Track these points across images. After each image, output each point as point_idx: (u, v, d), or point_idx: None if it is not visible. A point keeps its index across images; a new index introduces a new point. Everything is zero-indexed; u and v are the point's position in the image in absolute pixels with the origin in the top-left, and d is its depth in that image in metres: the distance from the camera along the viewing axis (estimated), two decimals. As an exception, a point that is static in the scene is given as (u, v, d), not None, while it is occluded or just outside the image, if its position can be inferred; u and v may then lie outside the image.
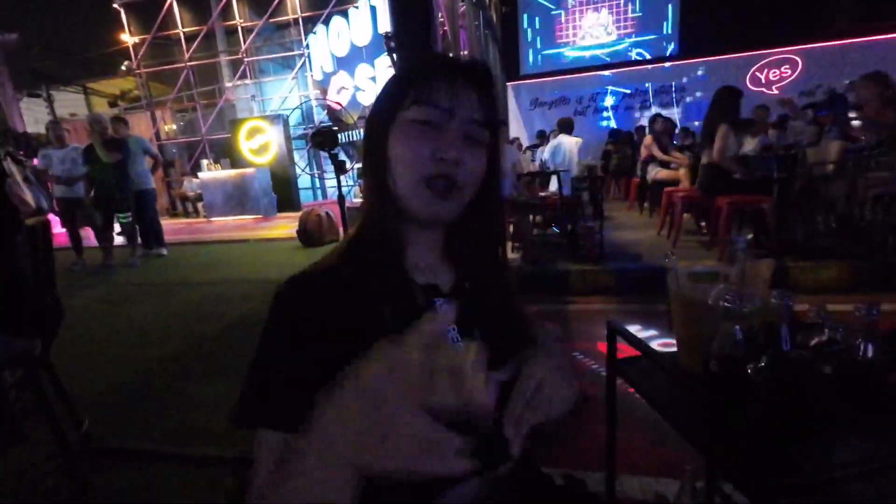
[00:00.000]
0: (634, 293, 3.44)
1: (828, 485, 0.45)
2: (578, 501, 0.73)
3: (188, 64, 10.97)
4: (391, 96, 0.60)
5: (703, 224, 4.69)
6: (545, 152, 5.85)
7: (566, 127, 5.81)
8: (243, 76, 11.00)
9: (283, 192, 9.61)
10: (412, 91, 0.57)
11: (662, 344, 2.51)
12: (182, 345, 2.90)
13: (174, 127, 12.59)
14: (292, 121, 10.38)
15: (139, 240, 5.56)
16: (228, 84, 11.34)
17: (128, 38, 11.22)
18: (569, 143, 5.59)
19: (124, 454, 1.79)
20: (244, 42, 10.70)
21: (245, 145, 9.98)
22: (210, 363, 2.60)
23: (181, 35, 10.97)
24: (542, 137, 7.73)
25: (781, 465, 0.52)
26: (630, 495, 1.51)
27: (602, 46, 10.10)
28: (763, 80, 9.20)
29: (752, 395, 0.61)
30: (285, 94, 11.08)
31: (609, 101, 10.17)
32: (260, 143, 9.89)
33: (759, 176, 3.54)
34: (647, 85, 9.93)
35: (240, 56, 10.81)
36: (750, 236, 3.79)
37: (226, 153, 10.47)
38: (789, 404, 0.54)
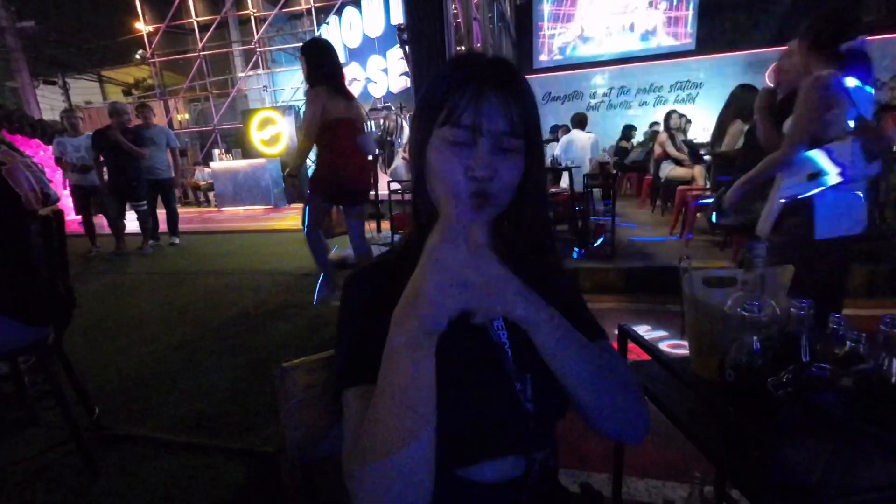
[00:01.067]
0: (644, 293, 3.40)
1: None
2: None
3: (201, 53, 11.00)
4: (427, 111, 0.61)
5: (716, 224, 4.61)
6: (557, 148, 5.79)
7: (579, 122, 5.74)
8: (255, 66, 11.01)
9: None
10: (444, 109, 0.58)
11: (672, 346, 2.48)
12: (193, 334, 2.93)
13: (187, 116, 12.68)
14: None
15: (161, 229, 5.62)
16: (241, 74, 11.37)
17: (142, 27, 11.27)
18: (582, 139, 5.53)
19: (134, 441, 1.81)
20: (257, 32, 10.70)
21: (256, 136, 10.02)
22: (220, 353, 2.62)
23: (195, 24, 11.00)
24: (555, 132, 7.65)
25: (800, 484, 0.50)
26: (637, 498, 1.49)
27: (618, 40, 9.94)
28: (783, 78, 8.99)
29: (770, 408, 0.59)
30: (297, 84, 11.07)
31: (623, 96, 10.03)
32: (271, 134, 9.92)
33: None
34: (663, 80, 9.77)
35: (252, 46, 10.81)
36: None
37: (237, 143, 10.52)
38: (810, 420, 0.52)
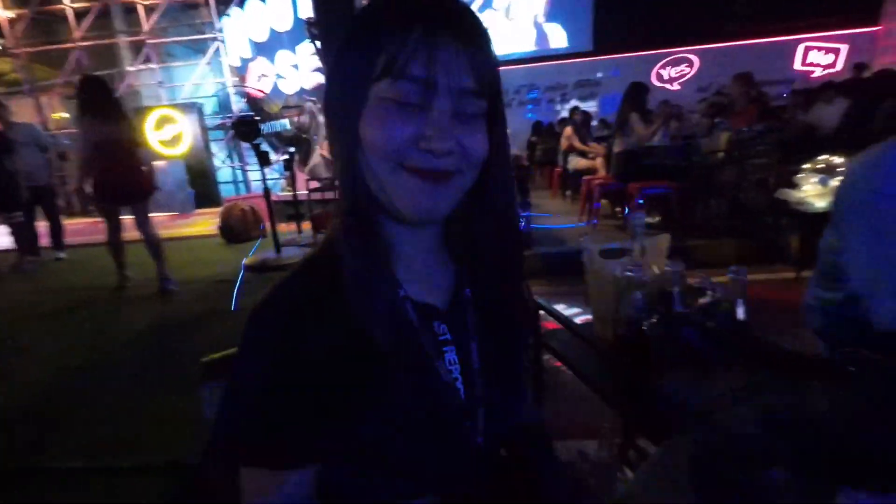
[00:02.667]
0: (560, 276, 3.65)
1: (707, 414, 0.55)
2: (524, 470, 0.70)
3: (79, 44, 9.77)
4: (354, 61, 0.45)
5: (618, 209, 5.08)
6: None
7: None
8: (147, 60, 10.02)
9: (202, 187, 8.93)
10: (383, 55, 0.43)
11: (584, 321, 2.72)
12: (96, 354, 2.66)
13: (66, 115, 11.21)
14: (208, 110, 9.68)
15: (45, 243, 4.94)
16: (130, 68, 10.28)
17: (0, 13, 9.76)
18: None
19: (36, 473, 1.63)
20: (146, 22, 9.74)
21: (154, 136, 9.15)
22: (131, 370, 2.41)
23: (69, 11, 9.74)
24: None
25: (674, 408, 0.62)
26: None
27: (523, 41, 10.45)
28: (666, 77, 10.07)
29: (648, 348, 0.71)
30: (198, 80, 10.26)
31: (531, 95, 10.59)
32: (172, 134, 9.10)
33: (666, 163, 3.92)
34: (567, 79, 10.46)
35: (141, 38, 9.82)
36: (658, 219, 4.17)
37: (131, 144, 9.50)
38: (678, 355, 0.63)
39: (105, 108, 3.35)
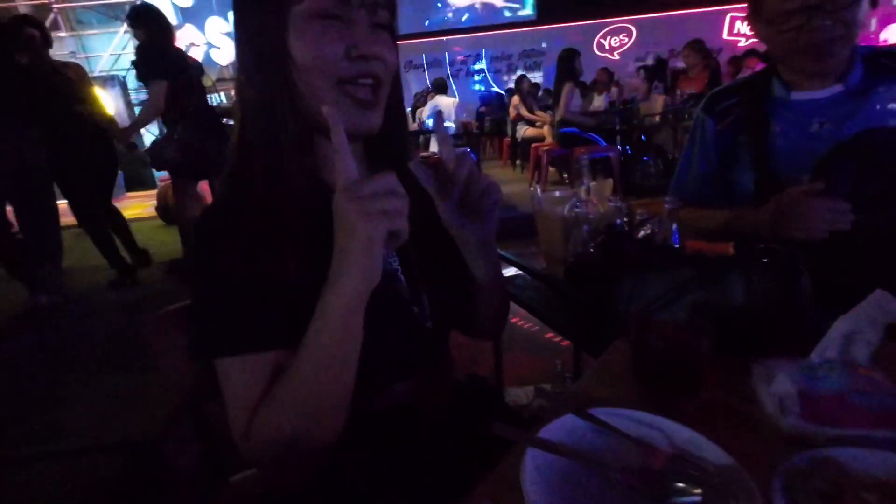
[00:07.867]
0: (512, 240, 3.75)
1: (644, 315, 0.61)
2: (481, 395, 0.77)
3: (-31, 9, 8.61)
4: None
5: (565, 175, 5.24)
6: (424, 113, 5.92)
7: (440, 87, 5.93)
8: (55, 28, 9.01)
9: (131, 168, 8.27)
10: None
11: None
12: (33, 342, 2.50)
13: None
14: (132, 83, 8.89)
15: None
16: (35, 37, 9.20)
17: None
18: (446, 103, 5.73)
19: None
20: (50, -16, 8.72)
21: (71, 113, 8.32)
22: (66, 358, 2.27)
23: (-47, -29, 8.51)
24: (422, 98, 7.76)
25: (612, 311, 0.68)
26: (517, 401, 1.73)
27: (467, 11, 10.30)
28: (607, 47, 10.32)
29: (594, 272, 0.77)
30: (118, 50, 9.38)
31: (480, 64, 10.53)
32: (91, 111, 8.33)
33: (607, 127, 4.08)
34: (512, 49, 10.47)
35: (46, 2, 8.80)
36: (610, 180, 4.35)
37: (44, 123, 8.59)
38: (616, 262, 0.70)
39: None
